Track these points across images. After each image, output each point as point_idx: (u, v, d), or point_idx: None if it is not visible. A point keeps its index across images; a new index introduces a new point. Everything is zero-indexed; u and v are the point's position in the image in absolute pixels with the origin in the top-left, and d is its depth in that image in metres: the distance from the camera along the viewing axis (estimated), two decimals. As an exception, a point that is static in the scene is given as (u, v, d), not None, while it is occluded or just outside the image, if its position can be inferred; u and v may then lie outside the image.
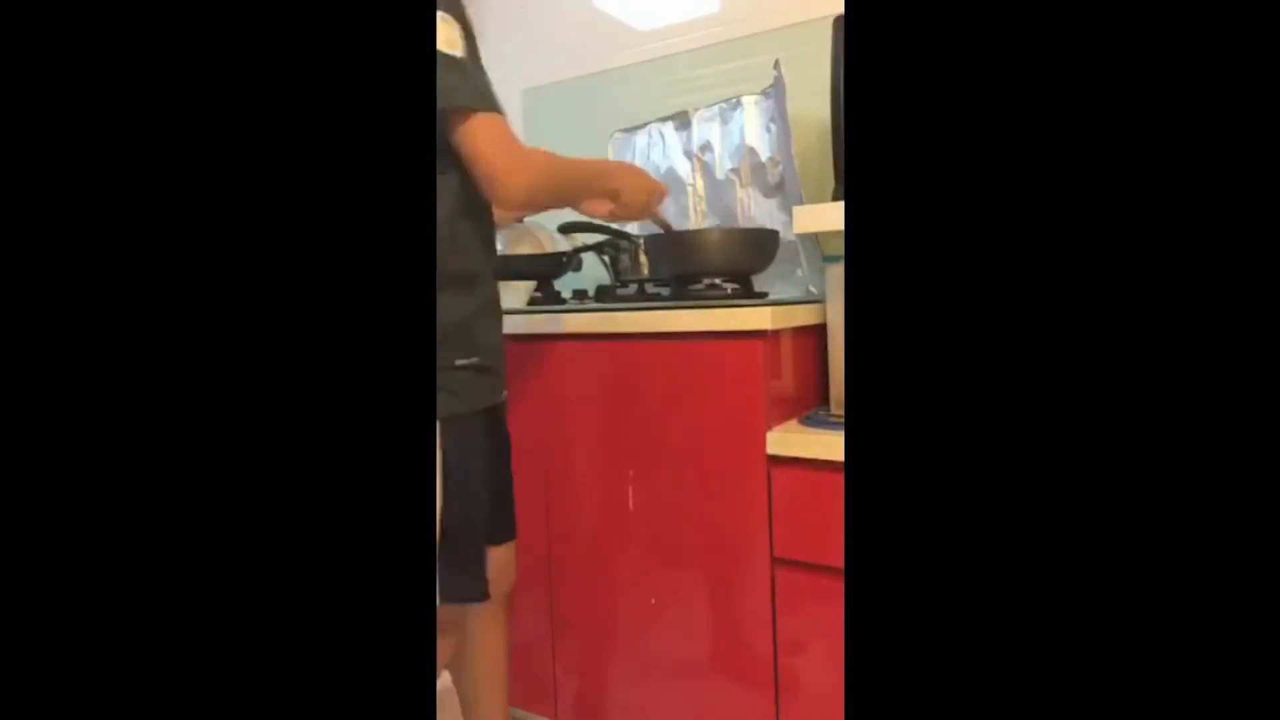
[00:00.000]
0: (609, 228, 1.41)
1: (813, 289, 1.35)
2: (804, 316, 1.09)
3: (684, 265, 1.21)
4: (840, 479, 0.95)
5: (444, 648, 1.07)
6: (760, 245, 1.21)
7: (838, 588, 0.96)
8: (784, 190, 1.38)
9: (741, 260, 1.21)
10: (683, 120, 1.54)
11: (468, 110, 0.77)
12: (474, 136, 0.78)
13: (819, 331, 1.14)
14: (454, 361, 0.84)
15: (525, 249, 1.42)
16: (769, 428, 1.01)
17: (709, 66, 1.57)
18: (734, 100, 1.45)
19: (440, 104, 0.77)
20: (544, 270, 1.42)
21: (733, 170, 1.46)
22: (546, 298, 1.42)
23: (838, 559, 0.96)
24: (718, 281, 1.19)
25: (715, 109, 1.48)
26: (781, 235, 1.29)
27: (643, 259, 1.27)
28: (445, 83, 0.77)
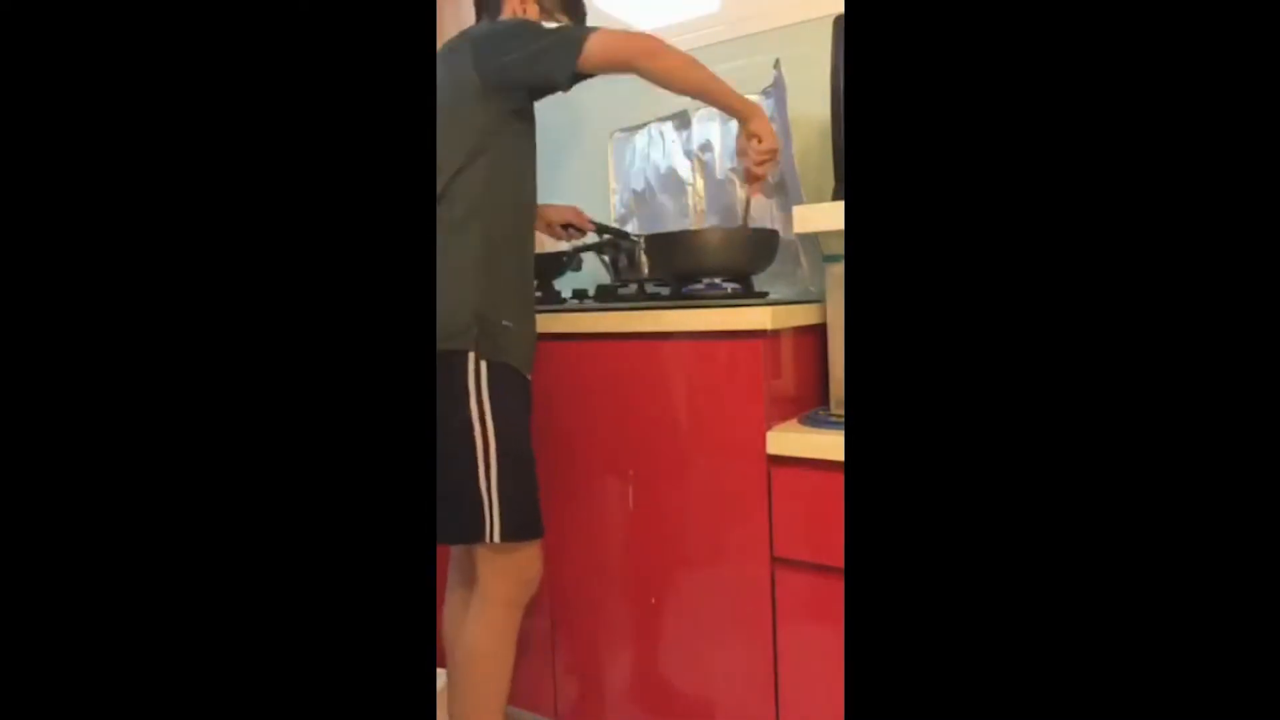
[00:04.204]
0: (610, 227, 1.41)
1: (812, 289, 1.35)
2: (804, 316, 1.09)
3: (684, 265, 1.21)
4: (840, 479, 0.95)
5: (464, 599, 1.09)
6: (760, 245, 1.21)
7: (838, 588, 0.96)
8: (784, 190, 1.38)
9: (741, 260, 1.21)
10: (683, 120, 1.53)
11: (584, 38, 0.96)
12: (598, 41, 0.97)
13: (819, 331, 1.14)
14: (501, 320, 1.00)
15: (525, 249, 1.42)
16: (769, 428, 1.01)
17: (709, 66, 1.56)
18: (734, 100, 1.45)
19: (549, 65, 0.98)
20: (544, 270, 1.42)
21: (733, 170, 1.46)
22: (546, 298, 1.42)
23: (838, 559, 0.96)
24: (718, 281, 1.19)
25: (715, 109, 1.48)
26: (781, 235, 1.29)
27: (642, 259, 1.27)
28: (546, 40, 0.98)
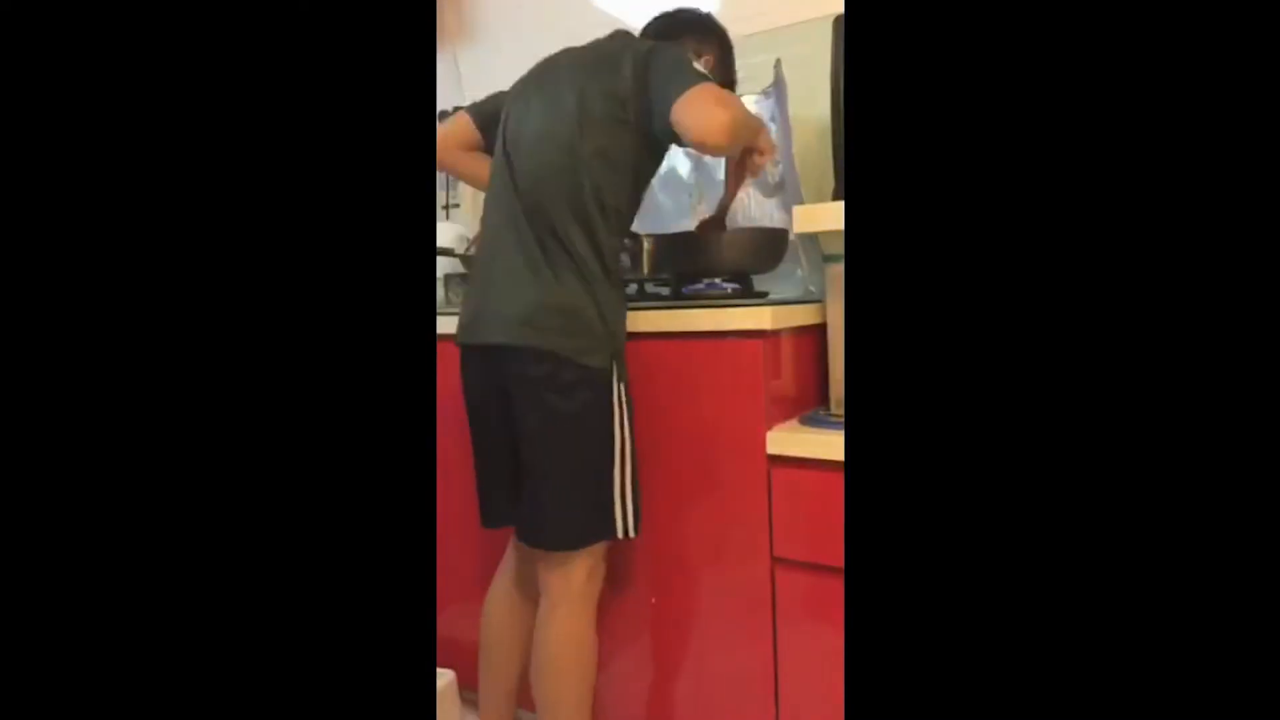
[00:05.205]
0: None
1: (812, 289, 1.35)
2: (804, 316, 1.09)
3: (693, 264, 1.21)
4: (840, 479, 0.95)
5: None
6: (768, 245, 1.21)
7: (838, 588, 0.96)
8: (784, 190, 1.38)
9: (751, 260, 1.20)
10: (683, 120, 1.53)
11: (693, 84, 0.93)
12: (695, 98, 0.93)
13: (819, 331, 1.14)
14: (623, 341, 1.02)
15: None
16: (769, 428, 1.01)
17: (709, 66, 1.56)
18: (734, 100, 1.45)
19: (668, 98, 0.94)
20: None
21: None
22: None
23: (838, 559, 0.96)
24: (718, 281, 1.19)
25: (715, 108, 1.48)
26: (780, 235, 1.29)
27: (644, 259, 1.27)
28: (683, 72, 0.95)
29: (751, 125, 1.02)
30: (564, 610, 1.04)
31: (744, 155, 1.11)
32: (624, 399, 1.01)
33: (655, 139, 1.01)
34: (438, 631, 1.36)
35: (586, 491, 1.00)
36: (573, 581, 1.03)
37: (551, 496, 1.01)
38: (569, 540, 1.01)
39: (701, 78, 0.95)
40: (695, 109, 0.92)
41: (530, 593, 1.14)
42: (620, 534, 1.01)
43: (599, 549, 1.04)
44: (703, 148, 0.96)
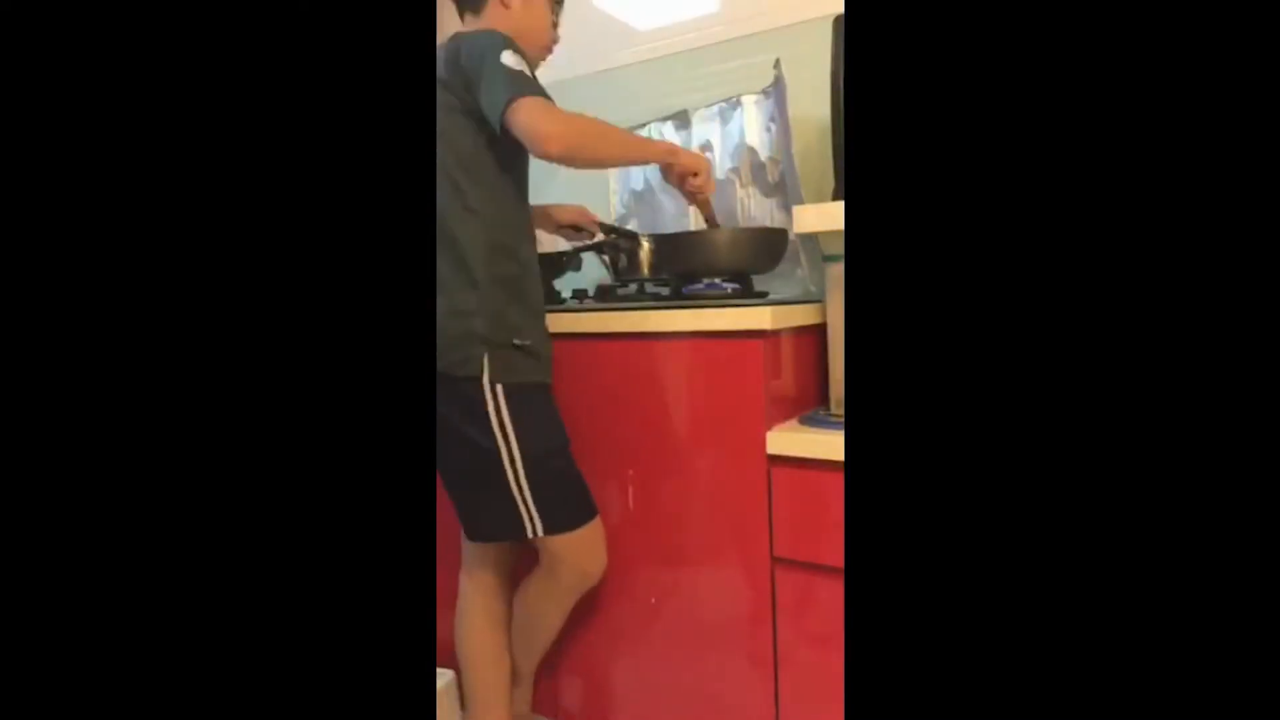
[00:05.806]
0: (616, 228, 1.41)
1: (813, 289, 1.35)
2: (804, 316, 1.09)
3: (693, 264, 1.21)
4: (840, 479, 0.95)
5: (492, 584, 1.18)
6: (769, 245, 1.21)
7: (838, 588, 0.96)
8: (784, 190, 1.38)
9: (751, 260, 1.20)
10: (683, 120, 1.53)
11: (513, 99, 0.94)
12: (520, 113, 0.94)
13: (819, 331, 1.14)
14: (511, 340, 1.02)
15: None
16: (769, 428, 1.01)
17: (709, 66, 1.57)
18: (734, 100, 1.45)
19: (498, 111, 0.95)
20: (544, 270, 1.42)
21: (733, 170, 1.46)
22: (547, 298, 1.42)
23: (838, 559, 0.96)
24: (718, 281, 1.19)
25: (715, 109, 1.48)
26: (780, 235, 1.29)
27: (644, 258, 1.27)
28: (494, 76, 0.96)
29: (596, 131, 1.01)
30: (541, 585, 1.11)
31: (677, 181, 1.14)
32: (505, 413, 1.00)
33: (495, 133, 1.00)
34: (438, 631, 1.36)
35: (491, 493, 1.03)
36: (549, 565, 1.09)
37: (459, 501, 1.10)
38: (493, 535, 1.09)
39: (518, 83, 0.95)
40: (525, 120, 0.93)
41: (502, 599, 1.19)
42: (530, 535, 1.04)
43: (560, 543, 1.06)
44: (545, 157, 0.97)
